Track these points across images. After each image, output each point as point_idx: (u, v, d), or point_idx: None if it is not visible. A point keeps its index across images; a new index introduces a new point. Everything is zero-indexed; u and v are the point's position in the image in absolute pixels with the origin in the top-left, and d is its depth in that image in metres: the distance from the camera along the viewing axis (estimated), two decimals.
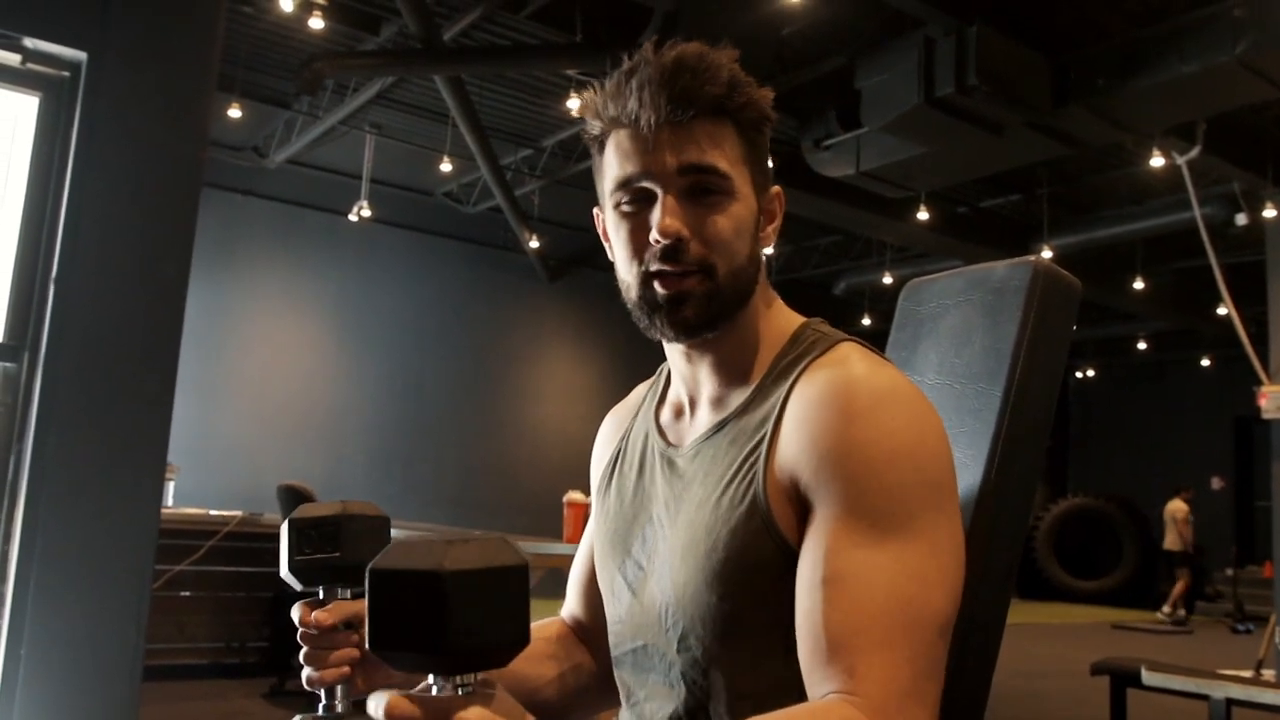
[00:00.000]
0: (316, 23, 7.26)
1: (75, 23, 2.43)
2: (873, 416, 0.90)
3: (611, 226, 1.03)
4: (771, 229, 1.06)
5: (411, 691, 0.67)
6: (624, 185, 1.00)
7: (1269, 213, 8.44)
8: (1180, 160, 7.61)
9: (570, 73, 8.29)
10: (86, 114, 2.44)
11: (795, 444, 0.94)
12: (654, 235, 0.97)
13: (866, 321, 13.51)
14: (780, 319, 1.06)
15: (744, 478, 0.96)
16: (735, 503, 0.95)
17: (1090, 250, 10.74)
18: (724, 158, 0.98)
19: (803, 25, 6.82)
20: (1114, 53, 6.70)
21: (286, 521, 0.95)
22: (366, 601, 0.65)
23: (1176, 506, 12.40)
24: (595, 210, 1.08)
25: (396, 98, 9.34)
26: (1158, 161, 8.03)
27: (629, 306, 1.03)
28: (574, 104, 8.54)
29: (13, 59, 2.44)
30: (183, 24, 2.59)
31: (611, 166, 1.01)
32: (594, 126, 1.03)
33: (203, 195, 2.63)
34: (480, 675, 0.68)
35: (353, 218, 10.68)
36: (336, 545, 0.94)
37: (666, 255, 0.97)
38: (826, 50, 7.46)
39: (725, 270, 0.98)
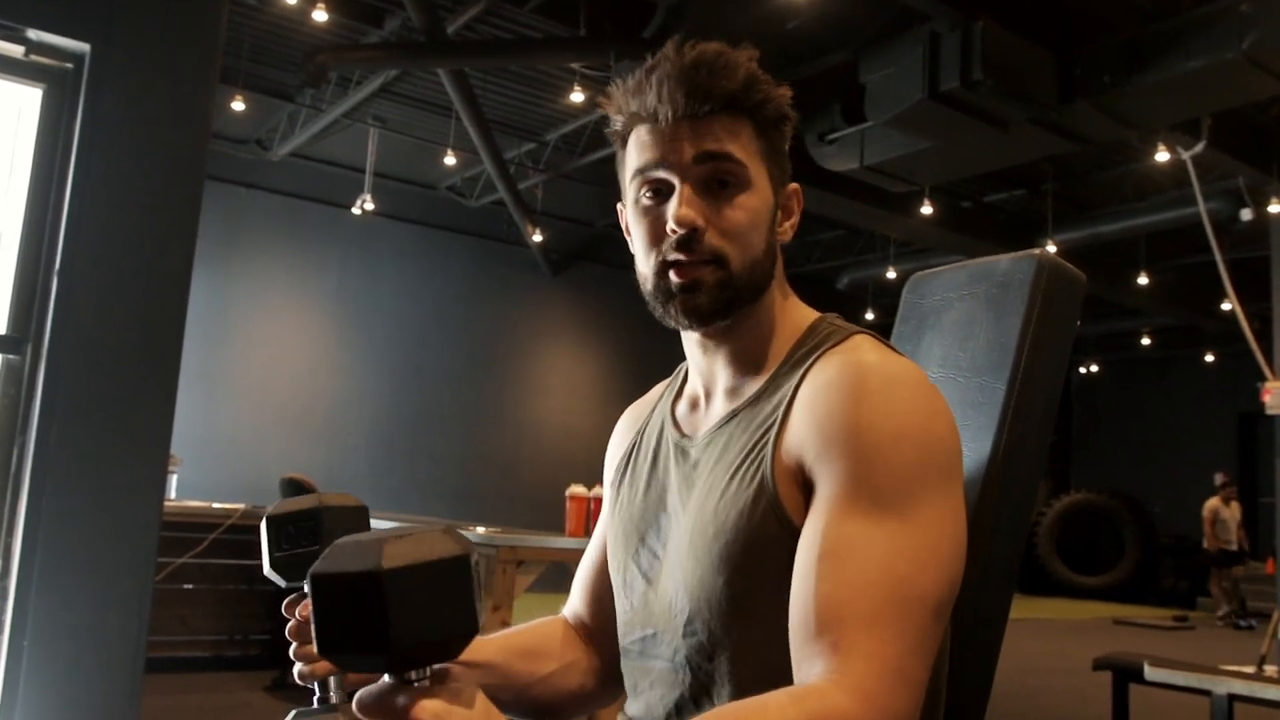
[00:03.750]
0: (320, 15, 7.25)
1: (78, 14, 2.43)
2: (880, 398, 0.92)
3: (631, 220, 1.05)
4: (789, 224, 1.08)
5: (371, 687, 0.67)
6: (643, 177, 1.02)
7: (1274, 208, 8.42)
8: (1185, 156, 7.60)
9: (574, 66, 8.28)
10: (90, 106, 2.44)
11: (803, 426, 0.95)
12: (670, 225, 0.99)
13: (870, 316, 13.50)
14: (797, 313, 1.08)
15: (753, 462, 0.97)
16: (744, 486, 0.96)
17: (1095, 246, 10.72)
18: (740, 149, 1.00)
19: (808, 19, 6.81)
20: (1120, 48, 6.68)
21: (264, 519, 0.95)
22: (311, 608, 0.64)
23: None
24: (619, 206, 1.10)
25: (400, 91, 9.34)
26: (1163, 157, 8.02)
27: (645, 297, 1.04)
28: (578, 97, 8.54)
29: (16, 51, 2.44)
30: (186, 16, 2.59)
31: (632, 159, 1.03)
32: (616, 122, 1.05)
33: (206, 188, 2.63)
34: (435, 666, 0.67)
35: (356, 211, 10.69)
36: (316, 538, 0.93)
37: (682, 244, 0.99)
38: (831, 44, 7.45)
39: (739, 261, 1.00)
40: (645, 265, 1.03)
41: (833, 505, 0.90)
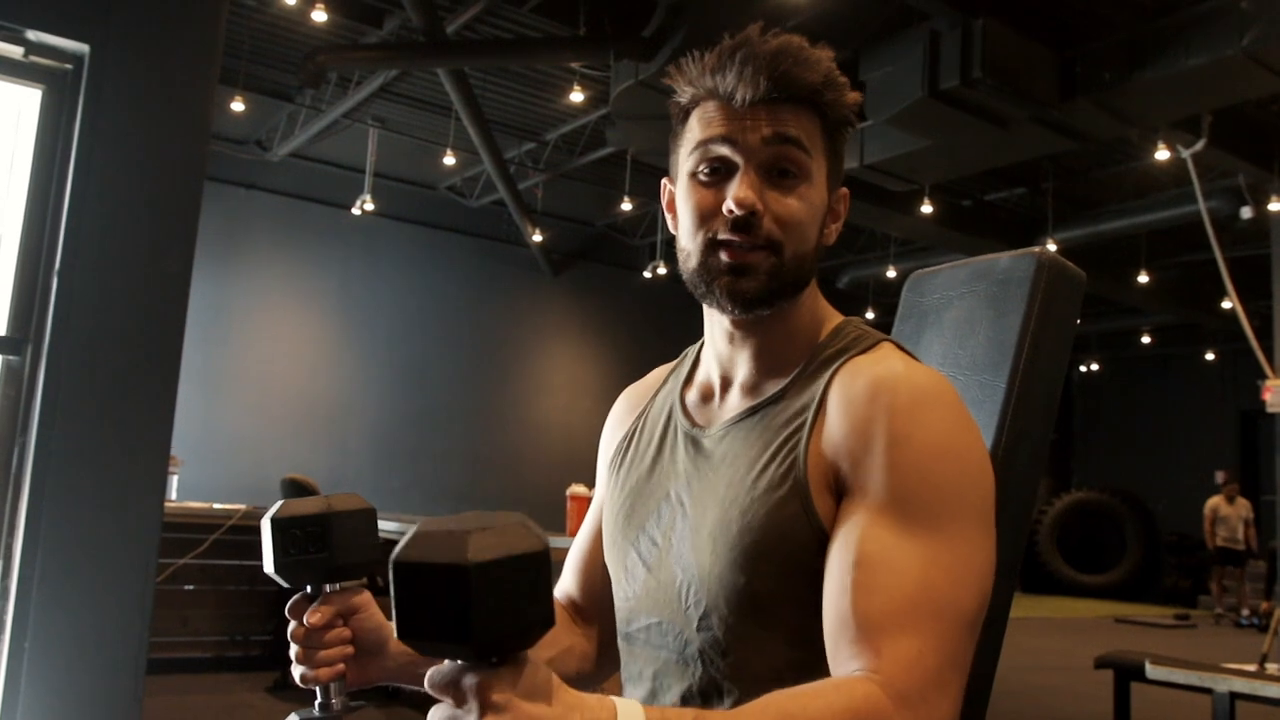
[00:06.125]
0: (319, 15, 7.25)
1: (77, 15, 2.43)
2: (922, 413, 0.92)
3: (681, 194, 1.04)
4: (834, 228, 1.08)
5: (442, 666, 0.68)
6: (704, 150, 1.01)
7: (1274, 206, 8.42)
8: (1185, 154, 7.59)
9: (574, 66, 8.28)
10: (89, 107, 2.44)
11: (840, 431, 0.95)
12: (728, 205, 0.98)
13: (870, 315, 13.47)
14: (822, 314, 1.08)
15: (783, 461, 0.96)
16: (773, 485, 0.96)
17: (1095, 244, 10.72)
18: (808, 141, 1.00)
19: (807, 18, 6.81)
20: (1120, 46, 6.68)
21: (268, 520, 0.92)
22: (392, 593, 0.65)
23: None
24: (664, 181, 1.09)
25: (400, 91, 9.33)
26: (1163, 155, 8.01)
27: (685, 276, 1.03)
28: (578, 97, 8.53)
29: (15, 51, 2.43)
30: (185, 16, 2.58)
31: (694, 134, 1.02)
32: (684, 95, 1.04)
33: (206, 189, 2.63)
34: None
35: (356, 211, 10.68)
36: (325, 544, 0.92)
37: (738, 226, 0.98)
38: (831, 43, 7.39)
39: (792, 252, 0.99)
40: (691, 241, 1.02)
41: (871, 514, 0.90)
